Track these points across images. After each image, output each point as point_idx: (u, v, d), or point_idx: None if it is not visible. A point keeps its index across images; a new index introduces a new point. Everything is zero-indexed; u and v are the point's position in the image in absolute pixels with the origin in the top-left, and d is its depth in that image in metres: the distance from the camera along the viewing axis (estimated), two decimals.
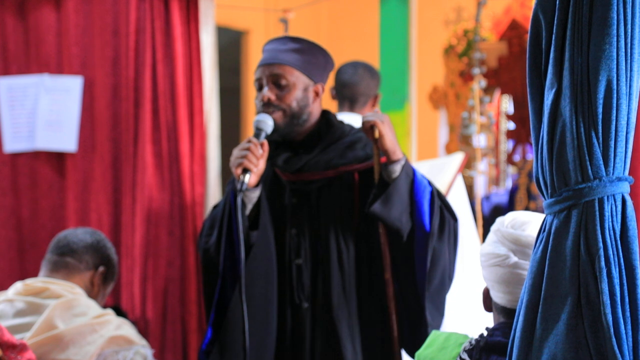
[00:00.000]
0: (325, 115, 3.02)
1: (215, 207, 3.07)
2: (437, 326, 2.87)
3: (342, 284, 2.87)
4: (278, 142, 2.98)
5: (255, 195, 2.89)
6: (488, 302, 2.02)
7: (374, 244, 2.90)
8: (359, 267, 2.91)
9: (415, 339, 2.83)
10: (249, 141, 2.84)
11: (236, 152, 2.84)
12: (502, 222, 1.97)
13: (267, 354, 2.87)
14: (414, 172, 2.85)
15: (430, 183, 2.88)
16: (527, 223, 1.94)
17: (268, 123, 2.87)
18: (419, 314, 2.83)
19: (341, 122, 3.05)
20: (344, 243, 2.89)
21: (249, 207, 2.89)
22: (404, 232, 2.81)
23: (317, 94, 2.97)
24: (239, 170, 2.80)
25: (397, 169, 2.81)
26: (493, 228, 1.99)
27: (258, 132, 2.86)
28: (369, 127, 2.81)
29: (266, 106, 2.89)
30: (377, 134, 2.80)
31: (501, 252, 1.93)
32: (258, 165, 2.82)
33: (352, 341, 2.87)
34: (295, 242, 2.92)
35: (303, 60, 2.92)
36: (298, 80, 2.91)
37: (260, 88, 2.94)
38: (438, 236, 2.83)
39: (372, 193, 2.82)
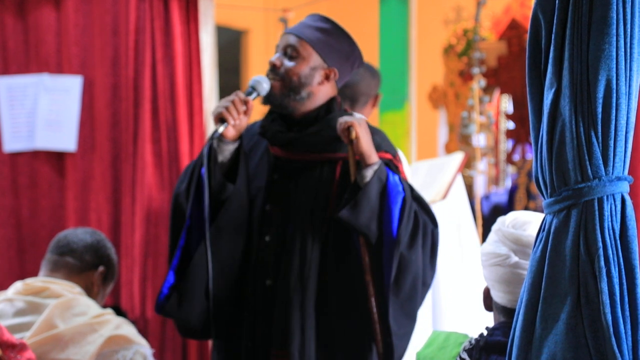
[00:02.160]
0: (331, 102, 2.95)
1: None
2: (405, 334, 2.81)
3: (300, 270, 2.81)
4: (275, 116, 2.94)
5: (229, 148, 2.86)
6: (488, 302, 2.02)
7: (351, 244, 2.84)
8: (324, 258, 2.84)
9: (383, 346, 2.80)
10: (236, 95, 2.83)
11: (219, 103, 2.84)
12: (503, 222, 1.97)
13: (227, 307, 2.86)
14: (387, 177, 2.79)
15: (404, 188, 2.81)
16: (528, 223, 1.94)
17: (263, 85, 2.85)
18: (385, 320, 2.78)
19: (343, 111, 2.98)
20: (311, 230, 2.83)
21: (220, 158, 2.86)
22: (372, 238, 2.77)
23: (327, 78, 2.90)
24: (217, 119, 2.82)
25: (369, 174, 2.76)
26: (494, 228, 1.99)
27: (250, 90, 2.85)
28: (345, 128, 2.76)
29: (271, 71, 2.88)
30: (353, 135, 2.75)
31: (502, 251, 1.93)
32: (238, 119, 2.81)
33: (301, 329, 2.80)
34: (268, 218, 2.90)
35: (323, 41, 2.89)
36: (309, 57, 2.87)
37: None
38: (408, 244, 2.78)
39: (344, 197, 2.79)
